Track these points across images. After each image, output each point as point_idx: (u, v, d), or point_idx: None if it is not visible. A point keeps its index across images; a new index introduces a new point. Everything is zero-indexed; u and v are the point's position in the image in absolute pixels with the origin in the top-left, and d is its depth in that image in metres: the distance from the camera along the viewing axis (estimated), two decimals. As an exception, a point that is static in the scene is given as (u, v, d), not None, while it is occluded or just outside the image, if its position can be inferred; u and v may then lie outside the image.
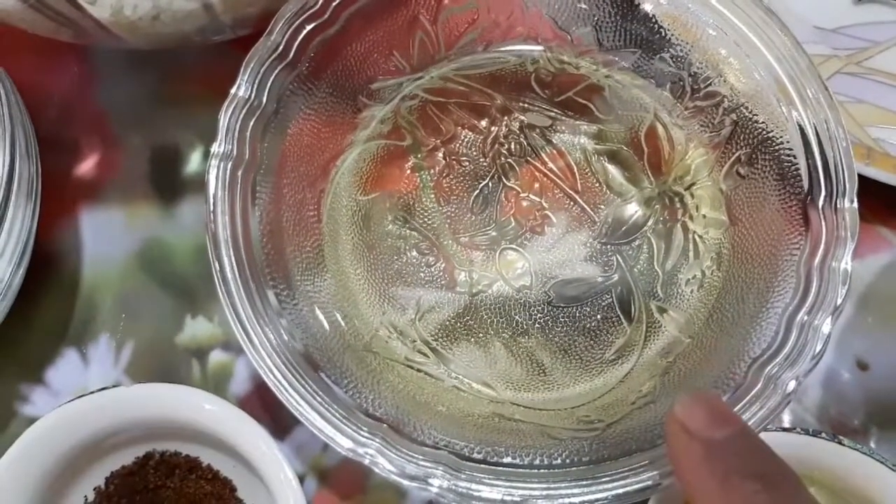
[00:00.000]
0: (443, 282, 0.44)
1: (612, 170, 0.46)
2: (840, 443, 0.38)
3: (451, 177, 0.45)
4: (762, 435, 0.37)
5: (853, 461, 0.38)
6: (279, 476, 0.36)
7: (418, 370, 0.42)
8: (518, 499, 0.34)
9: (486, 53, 0.46)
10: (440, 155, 0.46)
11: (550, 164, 0.46)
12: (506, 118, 0.46)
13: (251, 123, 0.39)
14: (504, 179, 0.46)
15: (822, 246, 0.38)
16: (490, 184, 0.45)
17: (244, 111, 0.39)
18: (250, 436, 0.37)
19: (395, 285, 0.44)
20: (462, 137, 0.46)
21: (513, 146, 0.46)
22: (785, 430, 0.38)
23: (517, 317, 0.44)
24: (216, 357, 0.45)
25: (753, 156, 0.42)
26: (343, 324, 0.42)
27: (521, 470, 0.36)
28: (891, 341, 0.46)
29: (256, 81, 0.39)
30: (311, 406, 0.36)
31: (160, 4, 0.40)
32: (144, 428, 0.39)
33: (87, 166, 0.48)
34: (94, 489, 0.41)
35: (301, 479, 0.44)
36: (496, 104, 0.46)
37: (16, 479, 0.37)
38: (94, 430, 0.38)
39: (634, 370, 0.42)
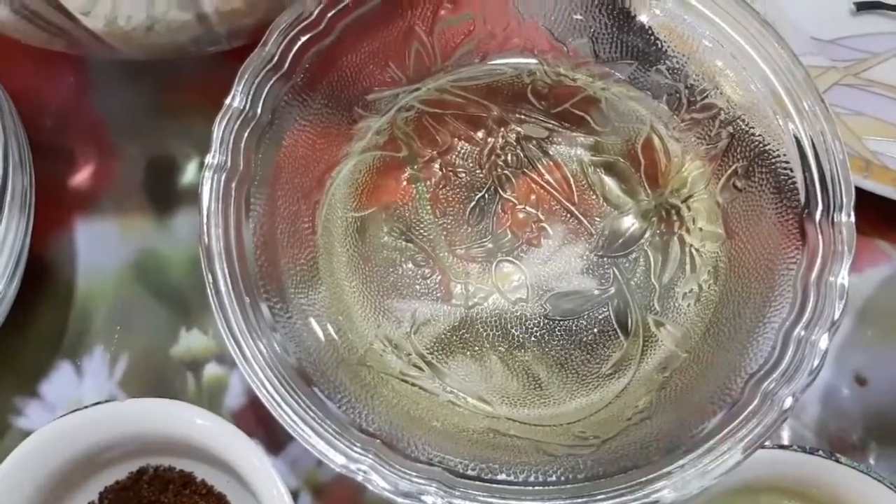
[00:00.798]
0: (439, 294, 0.44)
1: (609, 182, 0.45)
2: (837, 460, 0.38)
3: (448, 188, 0.45)
4: (760, 453, 0.37)
5: (850, 479, 0.38)
6: (272, 492, 0.36)
7: (413, 384, 0.42)
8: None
9: (482, 65, 0.46)
10: (436, 166, 0.45)
11: (547, 176, 0.46)
12: (502, 129, 0.46)
13: (245, 134, 0.39)
14: (500, 191, 0.45)
15: (818, 260, 0.38)
16: (486, 195, 0.45)
17: (238, 122, 0.39)
18: (243, 451, 0.37)
19: (390, 298, 0.43)
20: (458, 149, 0.46)
21: (509, 158, 0.46)
22: (782, 447, 0.38)
23: (513, 330, 0.44)
24: (211, 370, 0.45)
25: (750, 169, 0.42)
26: (337, 337, 0.41)
27: (515, 487, 0.35)
28: (890, 355, 0.46)
29: (251, 92, 0.39)
30: (303, 421, 0.35)
31: (154, 15, 0.40)
32: (138, 443, 0.39)
33: (82, 176, 0.48)
34: (88, 504, 0.41)
35: (295, 495, 0.45)
36: (493, 115, 0.46)
37: (9, 492, 0.37)
38: (88, 445, 0.38)
39: (631, 385, 0.41)
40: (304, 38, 0.40)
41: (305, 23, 0.40)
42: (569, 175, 0.46)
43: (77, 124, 0.49)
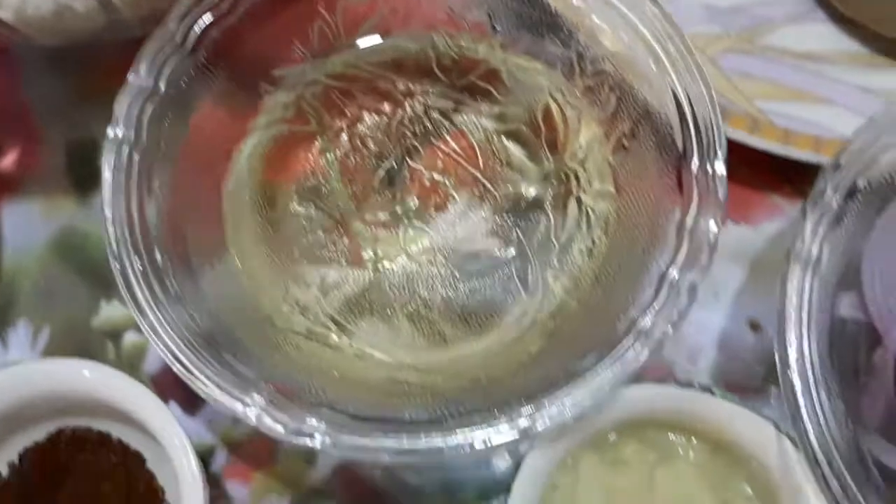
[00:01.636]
0: (348, 259, 0.46)
1: (513, 149, 0.48)
2: (712, 394, 0.40)
3: (357, 158, 0.47)
4: (640, 389, 0.40)
5: (730, 413, 0.40)
6: (174, 442, 0.38)
7: (318, 342, 0.43)
8: (400, 447, 0.36)
9: (386, 41, 0.48)
10: (345, 137, 0.47)
11: (453, 144, 0.48)
12: (409, 101, 0.48)
13: (149, 110, 0.41)
14: (408, 160, 0.47)
15: (694, 208, 0.40)
16: (395, 164, 0.47)
17: (142, 98, 0.41)
18: (152, 409, 0.39)
19: (299, 264, 0.45)
20: (367, 120, 0.48)
21: (417, 128, 0.48)
22: (660, 383, 0.40)
23: (421, 291, 0.45)
24: (130, 338, 0.47)
25: (636, 129, 0.44)
26: (244, 302, 0.43)
27: (405, 424, 0.37)
28: (782, 303, 0.48)
29: (153, 69, 0.41)
30: (201, 373, 0.37)
31: (61, 2, 0.41)
32: (55, 403, 0.41)
33: (7, 161, 0.50)
34: (8, 464, 0.42)
35: (212, 451, 0.46)
36: (400, 89, 0.48)
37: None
38: (6, 405, 0.40)
39: (527, 333, 0.43)
40: (206, 17, 0.42)
41: (208, 2, 0.42)
42: (475, 143, 0.48)
43: (2, 110, 0.51)
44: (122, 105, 0.41)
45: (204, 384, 0.37)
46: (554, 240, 0.46)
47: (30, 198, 0.49)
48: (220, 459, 0.46)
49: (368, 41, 0.48)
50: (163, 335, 0.38)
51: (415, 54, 0.48)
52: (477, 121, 0.48)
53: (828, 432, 0.38)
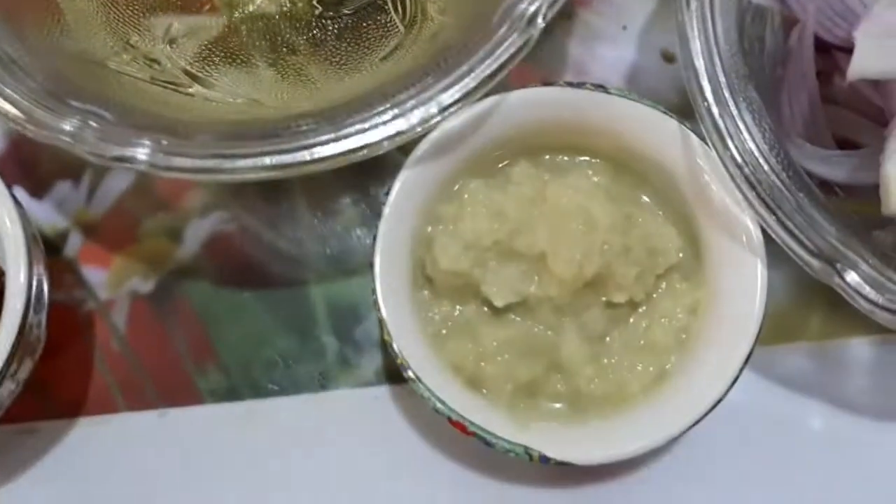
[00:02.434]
0: (198, 5, 0.40)
1: None
2: (606, 91, 0.34)
3: None
4: (535, 92, 0.34)
5: (627, 112, 0.35)
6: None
7: (165, 87, 0.38)
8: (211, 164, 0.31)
9: None
10: None
11: None
12: None
13: None
14: None
15: None
16: None
17: None
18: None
19: (142, 14, 0.39)
20: None
21: None
22: (549, 84, 0.35)
23: (283, 34, 0.40)
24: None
25: None
26: (80, 60, 0.37)
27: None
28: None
29: None
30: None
31: None
32: None
33: None
34: None
35: (65, 236, 0.41)
36: None
37: None
38: None
39: (403, 62, 0.38)
40: None
41: None
42: None
43: None
44: None
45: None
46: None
47: None
48: (75, 243, 0.41)
49: None
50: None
51: None
52: None
53: (750, 142, 0.33)
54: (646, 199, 0.37)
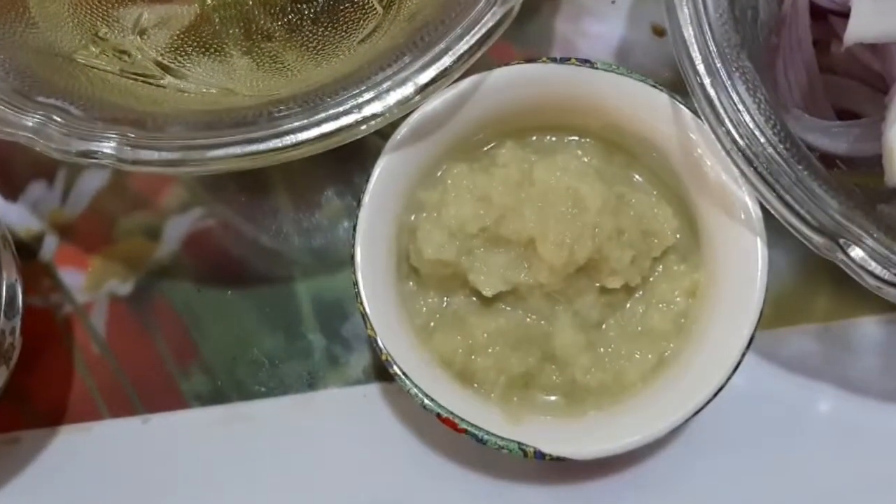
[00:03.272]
0: (170, -7, 0.38)
1: None
2: (593, 66, 0.33)
3: None
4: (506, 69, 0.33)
5: (616, 87, 0.33)
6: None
7: (136, 79, 0.36)
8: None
9: None
10: None
11: None
12: None
13: None
14: None
15: None
16: None
17: None
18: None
19: (110, 5, 0.38)
20: None
21: None
22: (531, 60, 0.33)
23: (258, 20, 0.38)
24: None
25: None
26: (46, 54, 0.36)
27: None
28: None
29: None
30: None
31: None
32: None
33: None
34: None
35: (40, 238, 0.40)
36: None
37: None
38: None
39: (381, 44, 0.36)
40: None
41: None
42: None
43: None
44: None
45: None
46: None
47: None
48: (50, 245, 0.40)
49: None
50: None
51: None
52: None
53: (745, 114, 0.31)
54: (638, 178, 0.35)
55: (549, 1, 0.41)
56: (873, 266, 0.30)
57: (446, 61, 0.30)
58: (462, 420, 0.31)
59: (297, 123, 0.30)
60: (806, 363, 0.38)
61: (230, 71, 0.38)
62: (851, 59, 0.34)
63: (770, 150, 0.31)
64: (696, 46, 0.32)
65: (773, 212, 0.31)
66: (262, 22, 0.39)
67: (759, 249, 0.32)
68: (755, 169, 0.31)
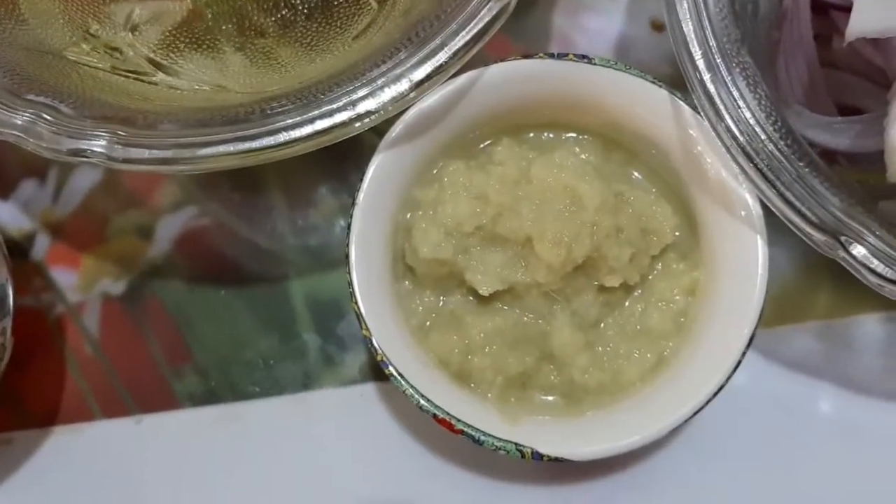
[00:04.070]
0: (162, -11, 0.38)
1: None
2: (592, 62, 0.32)
3: None
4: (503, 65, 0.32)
5: (613, 83, 0.33)
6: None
7: (127, 76, 0.36)
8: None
9: None
10: None
11: None
12: None
13: None
14: None
15: None
16: None
17: None
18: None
19: (102, 1, 0.37)
20: None
21: None
22: (528, 56, 0.33)
23: (251, 16, 0.38)
24: None
25: None
26: (36, 52, 0.36)
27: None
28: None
29: None
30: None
31: None
32: None
33: None
34: None
35: (31, 238, 0.39)
36: None
37: None
38: None
39: (376, 38, 0.36)
40: None
41: None
42: None
43: None
44: None
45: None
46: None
47: None
48: (42, 245, 0.39)
49: None
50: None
51: None
52: None
53: (745, 110, 0.31)
54: (637, 175, 0.35)
55: (547, -4, 0.41)
56: (875, 264, 0.29)
57: (442, 57, 0.30)
58: (459, 421, 0.31)
59: (290, 121, 0.30)
60: (807, 362, 0.38)
61: (223, 67, 0.37)
62: (853, 53, 0.33)
63: (770, 146, 0.31)
64: (695, 42, 0.31)
65: (773, 209, 0.31)
66: (256, 18, 0.38)
67: (759, 247, 0.32)
68: (755, 165, 0.30)
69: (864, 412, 0.37)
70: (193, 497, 0.37)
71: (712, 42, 0.31)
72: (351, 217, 0.32)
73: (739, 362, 0.31)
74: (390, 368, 0.31)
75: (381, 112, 0.30)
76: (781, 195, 0.30)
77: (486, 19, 0.30)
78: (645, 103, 0.33)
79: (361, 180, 0.32)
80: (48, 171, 0.40)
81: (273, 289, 0.39)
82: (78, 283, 0.39)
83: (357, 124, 0.30)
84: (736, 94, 0.31)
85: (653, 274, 0.34)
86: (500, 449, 0.31)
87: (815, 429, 0.37)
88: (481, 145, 0.35)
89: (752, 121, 0.31)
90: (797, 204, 0.30)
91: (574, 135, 0.35)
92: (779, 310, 0.38)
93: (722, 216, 0.32)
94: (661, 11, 0.38)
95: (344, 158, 0.39)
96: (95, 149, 0.30)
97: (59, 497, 0.37)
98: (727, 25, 0.32)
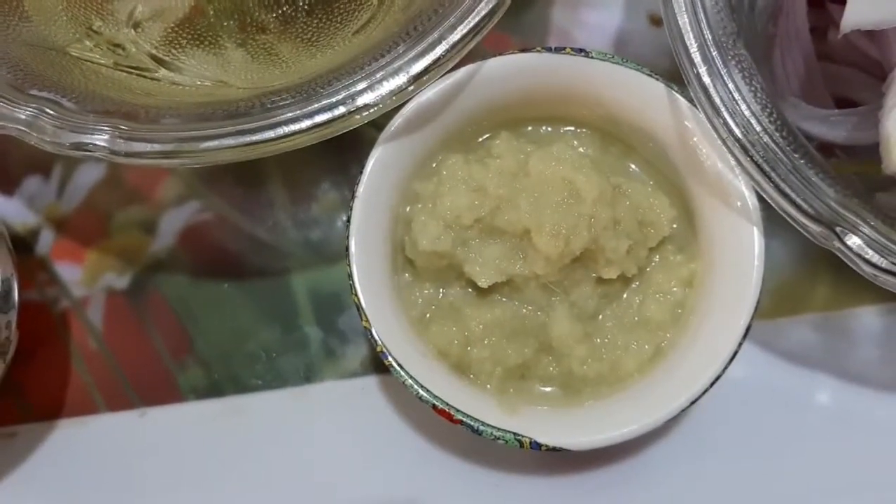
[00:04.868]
0: (165, -14, 0.38)
1: None
2: (588, 56, 0.33)
3: None
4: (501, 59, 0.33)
5: (610, 76, 0.33)
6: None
7: (129, 72, 0.36)
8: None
9: None
10: None
11: None
12: None
13: None
14: None
15: None
16: None
17: None
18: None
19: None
20: None
21: None
22: (525, 50, 0.33)
23: (253, 12, 0.38)
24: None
25: None
26: (40, 48, 0.36)
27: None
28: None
29: None
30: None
31: None
32: None
33: None
34: None
35: (36, 233, 0.40)
36: None
37: None
38: None
39: (375, 34, 0.36)
40: None
41: None
42: None
43: None
44: None
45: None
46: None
47: None
48: (47, 240, 0.40)
49: None
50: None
51: None
52: None
53: (741, 103, 0.31)
54: (635, 168, 0.35)
55: (546, -10, 0.41)
56: (870, 254, 0.29)
57: (440, 51, 0.30)
58: (458, 411, 0.31)
59: (290, 114, 0.30)
60: (805, 353, 0.38)
61: (225, 63, 0.38)
62: (849, 46, 0.34)
63: (766, 138, 0.31)
64: (691, 35, 0.32)
65: (769, 201, 0.31)
66: (257, 14, 0.38)
67: (755, 239, 0.32)
68: (751, 158, 0.31)
69: (861, 403, 0.37)
70: (196, 489, 0.37)
71: (708, 35, 0.32)
72: (351, 210, 0.32)
73: (736, 353, 0.31)
74: (390, 359, 0.31)
75: (380, 106, 0.30)
76: (777, 187, 0.30)
77: (484, 13, 0.30)
78: (642, 96, 0.33)
79: (361, 173, 0.32)
80: (53, 166, 0.40)
81: (275, 282, 0.39)
82: (82, 277, 0.39)
83: (356, 117, 0.31)
84: (732, 86, 0.31)
85: (650, 266, 0.34)
86: (498, 439, 0.31)
87: (812, 420, 0.37)
88: (480, 139, 0.35)
89: (747, 113, 0.31)
90: (792, 195, 0.30)
91: (572, 128, 0.35)
92: (777, 302, 0.38)
93: (719, 208, 0.33)
94: (658, 5, 0.39)
95: (345, 152, 0.40)
96: (98, 143, 0.30)
97: (64, 490, 0.38)
98: (723, 18, 0.32)
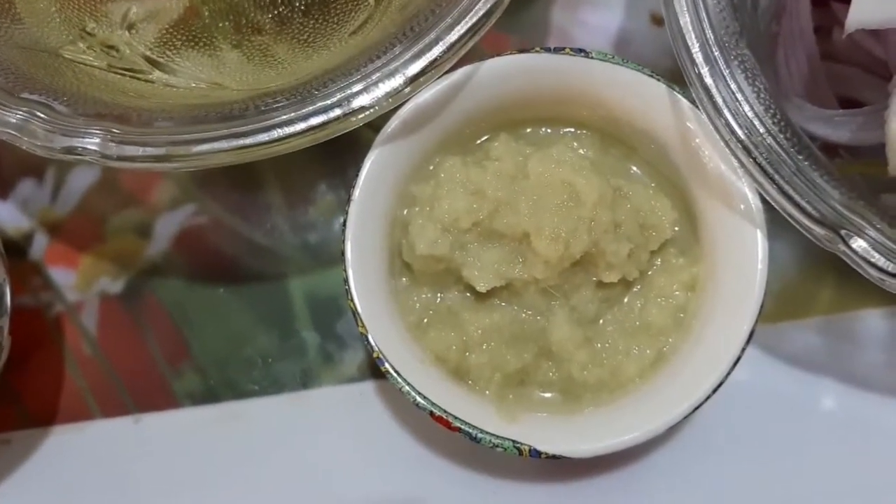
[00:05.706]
0: (159, -13, 0.38)
1: None
2: (587, 56, 0.32)
3: None
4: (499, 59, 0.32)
5: (610, 76, 0.32)
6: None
7: (123, 74, 0.36)
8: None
9: None
10: None
11: None
12: None
13: None
14: None
15: None
16: None
17: None
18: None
19: (98, 1, 0.37)
20: None
21: None
22: (523, 51, 0.32)
23: (248, 13, 0.38)
24: None
25: None
26: (32, 50, 0.35)
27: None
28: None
29: None
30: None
31: None
32: None
33: None
34: None
35: (30, 237, 0.39)
36: None
37: None
38: None
39: (373, 34, 0.36)
40: None
41: None
42: None
43: None
44: None
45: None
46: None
47: None
48: (40, 244, 0.39)
49: None
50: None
51: None
52: None
53: (744, 103, 0.30)
54: (636, 170, 0.35)
55: (545, -10, 0.41)
56: (876, 257, 0.29)
57: (437, 51, 0.30)
58: (455, 418, 0.30)
59: (285, 117, 0.29)
60: (809, 357, 0.37)
61: (220, 65, 0.37)
62: (853, 46, 0.33)
63: (770, 140, 0.30)
64: (693, 35, 0.31)
65: (773, 203, 0.30)
66: (252, 15, 0.38)
67: (759, 242, 0.31)
68: (754, 159, 0.30)
69: (866, 408, 0.37)
70: (192, 496, 0.37)
71: (710, 35, 0.31)
72: (347, 213, 0.32)
73: (739, 358, 0.31)
74: (386, 365, 0.31)
75: (376, 108, 0.30)
76: (781, 189, 0.30)
77: (482, 13, 0.30)
78: (643, 97, 0.32)
79: (357, 176, 0.32)
80: (46, 170, 0.40)
81: (272, 287, 0.39)
82: (76, 282, 0.39)
83: (352, 120, 0.30)
84: (734, 87, 0.30)
85: (652, 269, 0.34)
86: (497, 446, 0.30)
87: (817, 425, 0.37)
88: (478, 141, 0.35)
89: (750, 114, 0.30)
90: (797, 198, 0.29)
91: (572, 129, 0.35)
92: (781, 305, 0.38)
93: (721, 210, 0.32)
94: (659, 4, 0.38)
95: (342, 155, 0.39)
96: (89, 146, 0.30)
97: (58, 497, 0.37)
98: (725, 18, 0.31)
